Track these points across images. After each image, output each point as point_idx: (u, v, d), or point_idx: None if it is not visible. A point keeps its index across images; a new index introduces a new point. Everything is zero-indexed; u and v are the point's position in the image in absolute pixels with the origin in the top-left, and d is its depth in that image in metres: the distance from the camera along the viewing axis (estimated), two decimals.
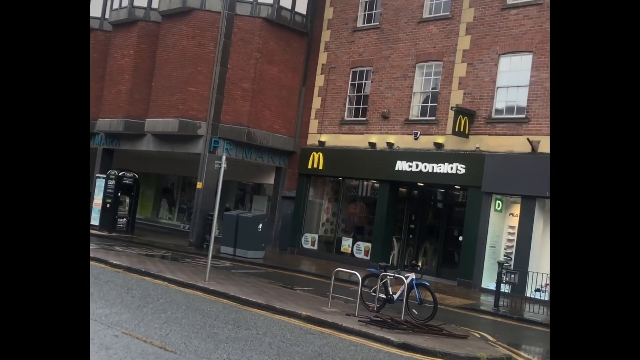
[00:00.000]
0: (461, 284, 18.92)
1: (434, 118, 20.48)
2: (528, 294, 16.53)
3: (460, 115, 18.97)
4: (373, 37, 22.60)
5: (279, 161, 24.88)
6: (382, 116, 21.75)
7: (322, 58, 24.14)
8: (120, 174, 25.13)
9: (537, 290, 16.73)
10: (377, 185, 22.39)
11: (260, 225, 21.24)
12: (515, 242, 18.04)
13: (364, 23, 23.22)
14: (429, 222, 22.17)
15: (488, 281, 18.14)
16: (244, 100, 23.05)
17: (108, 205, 24.78)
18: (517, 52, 18.65)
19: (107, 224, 24.60)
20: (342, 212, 23.86)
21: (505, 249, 18.50)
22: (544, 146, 17.38)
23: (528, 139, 17.68)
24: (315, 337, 9.76)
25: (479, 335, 11.70)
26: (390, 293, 12.52)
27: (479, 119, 19.17)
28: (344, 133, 23.00)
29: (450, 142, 19.76)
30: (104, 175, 25.40)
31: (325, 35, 24.17)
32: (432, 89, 20.89)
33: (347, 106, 23.19)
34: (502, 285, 15.56)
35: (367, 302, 12.36)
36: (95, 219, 25.04)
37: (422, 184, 21.35)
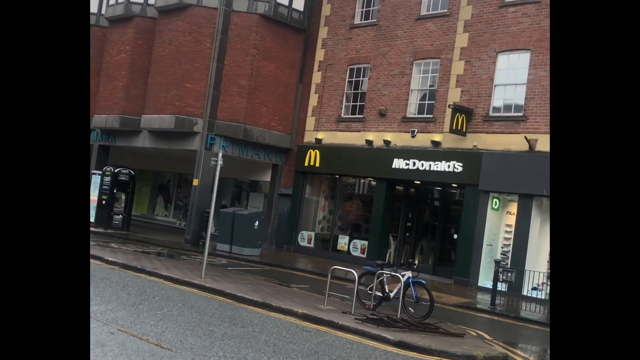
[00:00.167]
0: (458, 282, 18.91)
1: (431, 116, 20.44)
2: (525, 293, 16.54)
3: (458, 113, 18.93)
4: (370, 34, 22.54)
5: (276, 158, 24.82)
6: (379, 114, 21.70)
7: (319, 55, 24.08)
8: (116, 170, 25.04)
9: (534, 288, 16.74)
10: (373, 183, 22.36)
11: (257, 222, 21.18)
12: (512, 240, 18.03)
13: (361, 20, 23.16)
14: (426, 220, 22.16)
15: (485, 279, 18.12)
16: (240, 97, 22.98)
17: (104, 202, 24.70)
18: (515, 50, 18.61)
19: (103, 220, 24.52)
20: (338, 209, 23.82)
21: (502, 248, 18.49)
22: (542, 144, 17.36)
23: (525, 137, 17.65)
24: (311, 335, 9.72)
25: (475, 334, 11.67)
26: (387, 291, 12.49)
27: (477, 117, 19.14)
28: (340, 130, 22.95)
29: (447, 140, 19.72)
30: (100, 172, 25.32)
31: (323, 32, 24.11)
32: (430, 86, 20.85)
33: (344, 103, 23.14)
34: (499, 284, 15.55)
35: (363, 300, 12.32)
36: (91, 216, 24.94)
37: (419, 182, 21.32)
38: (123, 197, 25.17)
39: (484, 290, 17.64)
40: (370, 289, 12.54)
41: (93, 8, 27.62)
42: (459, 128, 19.00)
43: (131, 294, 11.47)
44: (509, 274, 15.64)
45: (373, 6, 22.87)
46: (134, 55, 25.10)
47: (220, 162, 14.40)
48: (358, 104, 22.73)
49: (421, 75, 21.11)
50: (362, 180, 23.47)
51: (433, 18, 20.83)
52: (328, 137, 23.33)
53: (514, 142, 18.06)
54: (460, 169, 19.25)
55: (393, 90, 21.52)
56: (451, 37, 20.19)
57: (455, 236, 20.24)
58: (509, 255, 17.98)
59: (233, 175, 26.08)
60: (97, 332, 8.03)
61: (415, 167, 20.33)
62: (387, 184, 21.47)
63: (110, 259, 15.43)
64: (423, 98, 21.05)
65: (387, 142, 21.26)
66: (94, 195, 25.12)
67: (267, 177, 25.44)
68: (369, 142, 21.78)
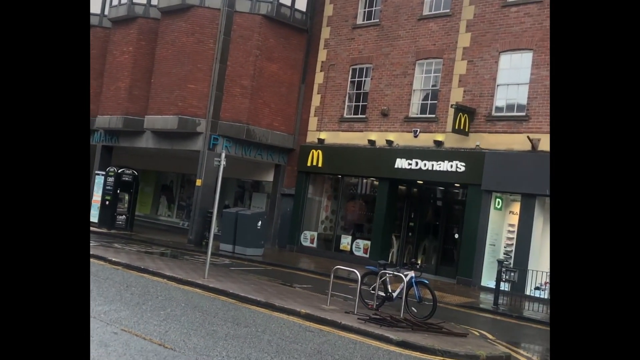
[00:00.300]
0: (460, 282, 18.90)
1: (433, 116, 20.44)
2: (528, 292, 16.52)
3: (460, 113, 18.93)
4: (373, 34, 22.55)
5: (278, 158, 24.85)
6: (381, 114, 21.71)
7: (322, 55, 24.10)
8: (119, 170, 25.10)
9: (537, 288, 16.73)
10: (376, 183, 22.36)
11: (260, 222, 21.21)
12: (515, 240, 18.02)
13: (363, 20, 23.16)
14: (429, 220, 22.15)
15: (487, 279, 18.12)
16: (243, 97, 23.01)
17: (107, 202, 24.76)
18: (517, 49, 18.61)
19: (106, 221, 24.58)
20: (341, 209, 23.83)
21: (505, 247, 18.48)
22: (544, 144, 17.35)
23: (528, 137, 17.65)
24: (314, 335, 9.74)
25: (478, 334, 11.68)
26: (390, 291, 12.50)
27: (479, 116, 19.13)
28: (343, 130, 22.97)
29: (450, 140, 19.72)
30: (103, 172, 25.38)
31: (325, 32, 24.13)
32: (432, 86, 20.85)
33: (346, 103, 23.15)
34: (502, 284, 15.54)
35: (366, 300, 12.33)
36: (94, 216, 25.00)
37: (421, 182, 21.32)
38: (126, 197, 25.23)
39: (487, 290, 17.64)
40: (373, 289, 12.55)
41: (96, 9, 27.67)
42: (462, 128, 19.00)
43: (134, 294, 11.51)
44: (512, 274, 15.63)
45: (375, 6, 22.88)
46: (136, 56, 25.15)
47: (223, 163, 14.43)
48: (360, 104, 22.74)
49: (424, 75, 21.11)
50: (364, 180, 23.47)
51: (435, 18, 20.83)
52: (330, 137, 23.34)
53: (517, 142, 18.05)
54: (462, 168, 19.24)
55: (395, 90, 21.52)
56: (453, 37, 20.19)
57: (456, 236, 20.24)
58: (512, 255, 17.98)
59: (236, 175, 26.11)
60: (101, 332, 8.07)
61: (417, 167, 20.33)
62: (389, 183, 21.47)
63: (113, 259, 15.48)
64: (425, 98, 21.06)
65: (389, 142, 21.26)
66: (97, 196, 25.21)
67: (270, 177, 25.47)
68: (372, 142, 21.79)
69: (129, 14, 25.32)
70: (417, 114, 21.03)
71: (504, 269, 15.52)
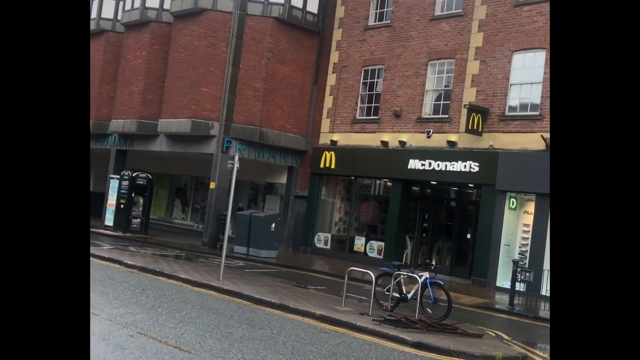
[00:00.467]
0: (475, 282, 18.82)
1: (446, 116, 20.38)
2: (543, 293, 16.40)
3: (474, 113, 18.86)
4: (385, 35, 22.53)
5: (291, 160, 24.89)
6: (394, 114, 21.68)
7: (334, 57, 24.11)
8: (133, 174, 25.26)
9: None
10: (389, 184, 22.33)
11: (273, 224, 21.26)
12: (530, 240, 17.91)
13: (375, 21, 23.15)
14: (442, 220, 22.08)
15: (503, 280, 18.03)
16: (255, 100, 23.09)
17: (122, 206, 24.92)
18: (530, 49, 18.50)
19: (121, 224, 24.75)
20: (354, 211, 23.82)
21: (520, 247, 18.38)
22: None
23: (542, 136, 17.54)
24: (329, 336, 9.74)
25: (494, 334, 11.63)
26: (404, 292, 12.47)
27: (492, 116, 19.05)
28: (356, 132, 22.96)
29: (463, 140, 19.66)
30: (118, 176, 25.55)
31: (337, 34, 24.14)
32: (445, 86, 20.79)
33: (359, 105, 23.15)
34: (517, 284, 15.46)
35: (380, 302, 12.32)
36: (109, 220, 25.20)
37: (435, 183, 21.26)
38: (141, 200, 25.38)
39: (502, 290, 17.54)
40: (388, 290, 12.54)
41: (109, 14, 27.91)
42: (475, 128, 18.92)
43: (150, 296, 11.58)
44: (527, 274, 15.55)
45: (387, 7, 22.86)
46: (150, 60, 25.32)
47: (236, 165, 14.48)
48: (373, 105, 22.72)
49: (436, 75, 21.05)
50: (377, 181, 23.45)
51: (447, 18, 20.78)
52: (343, 139, 23.34)
53: (531, 141, 17.95)
54: (476, 169, 19.17)
55: (408, 91, 21.48)
56: (466, 37, 20.13)
57: (468, 236, 20.16)
58: (527, 255, 17.87)
59: (249, 177, 26.19)
60: (117, 335, 8.13)
61: (431, 168, 20.28)
62: (402, 184, 21.43)
63: (128, 262, 15.58)
64: (438, 98, 21.00)
65: (402, 143, 21.23)
66: (112, 199, 25.40)
67: (283, 180, 25.52)
68: (384, 143, 21.76)
69: (141, 19, 25.49)
70: (430, 115, 20.98)
71: (519, 269, 15.44)
